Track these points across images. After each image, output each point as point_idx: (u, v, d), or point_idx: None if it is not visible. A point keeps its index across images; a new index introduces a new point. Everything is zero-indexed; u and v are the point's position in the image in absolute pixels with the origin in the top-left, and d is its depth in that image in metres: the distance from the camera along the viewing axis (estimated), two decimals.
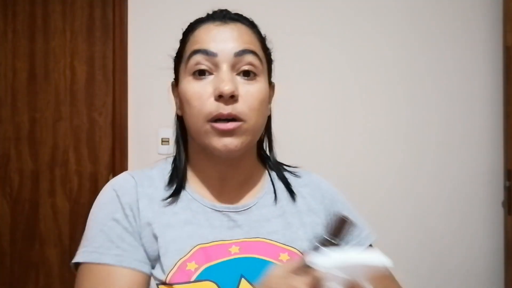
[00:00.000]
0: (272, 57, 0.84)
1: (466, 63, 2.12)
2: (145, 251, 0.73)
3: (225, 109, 0.73)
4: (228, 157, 0.76)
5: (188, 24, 0.82)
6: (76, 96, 2.14)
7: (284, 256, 0.76)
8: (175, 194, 0.79)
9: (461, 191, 2.11)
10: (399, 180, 2.11)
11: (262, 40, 0.82)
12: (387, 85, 2.11)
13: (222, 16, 0.79)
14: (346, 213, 0.88)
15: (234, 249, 0.75)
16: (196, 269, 0.71)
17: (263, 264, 0.74)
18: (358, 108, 2.11)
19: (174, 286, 0.69)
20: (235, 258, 0.74)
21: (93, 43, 2.14)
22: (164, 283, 0.70)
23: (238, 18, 0.80)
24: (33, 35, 2.14)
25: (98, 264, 0.70)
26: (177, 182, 0.80)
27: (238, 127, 0.74)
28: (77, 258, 0.72)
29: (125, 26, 2.10)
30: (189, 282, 0.69)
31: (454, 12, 2.12)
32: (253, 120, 0.75)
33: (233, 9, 0.82)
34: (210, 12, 0.82)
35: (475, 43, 2.12)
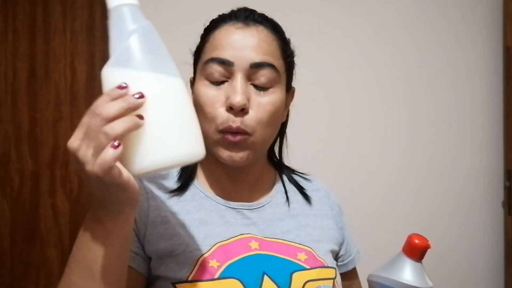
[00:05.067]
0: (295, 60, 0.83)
1: (466, 63, 2.12)
2: (148, 249, 0.73)
3: (235, 122, 0.73)
4: (234, 166, 0.77)
5: (211, 20, 0.81)
6: (76, 96, 2.15)
7: (301, 256, 0.77)
8: (183, 187, 0.79)
9: (461, 191, 2.11)
10: (399, 180, 2.10)
11: (283, 46, 0.80)
12: (387, 85, 2.11)
13: (245, 17, 0.78)
14: (345, 229, 0.91)
15: (254, 245, 0.75)
16: (218, 267, 0.70)
17: (283, 262, 0.74)
18: (358, 108, 2.11)
19: (197, 283, 0.69)
20: (256, 254, 0.74)
21: (93, 43, 2.14)
22: (184, 281, 0.69)
23: (261, 21, 0.78)
24: (33, 35, 2.14)
25: None
26: (184, 177, 0.80)
27: (244, 140, 0.74)
28: None
29: None
30: (213, 279, 0.69)
31: (454, 12, 2.12)
32: (259, 133, 0.75)
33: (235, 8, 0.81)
34: (230, 10, 0.80)
35: (475, 43, 2.12)
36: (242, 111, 0.73)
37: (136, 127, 0.54)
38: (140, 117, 0.55)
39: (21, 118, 2.14)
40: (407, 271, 0.63)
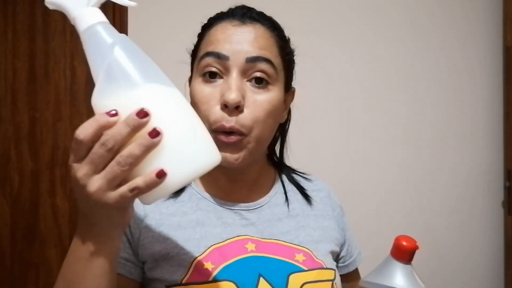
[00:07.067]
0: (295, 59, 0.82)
1: (466, 63, 2.12)
2: (143, 253, 0.73)
3: (228, 122, 0.70)
4: (230, 168, 0.74)
5: (208, 18, 0.80)
6: (76, 96, 2.14)
7: (299, 257, 0.76)
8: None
9: (461, 191, 2.11)
10: (399, 180, 2.10)
11: (282, 44, 0.79)
12: (387, 85, 2.11)
13: (242, 14, 0.76)
14: (347, 230, 0.91)
15: (251, 246, 0.74)
16: (213, 269, 0.70)
17: (280, 264, 0.74)
18: (358, 108, 2.10)
19: (191, 286, 0.68)
20: (252, 256, 0.73)
21: None
22: (178, 284, 0.69)
23: (258, 19, 0.77)
24: (33, 35, 2.14)
25: None
26: None
27: (240, 141, 0.72)
28: None
29: (125, 26, 2.10)
30: (207, 282, 0.68)
31: (454, 12, 2.12)
32: (255, 133, 0.73)
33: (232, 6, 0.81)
34: (228, 8, 0.79)
35: (475, 43, 2.12)
36: (237, 109, 0.70)
37: (153, 146, 0.50)
38: (155, 133, 0.50)
39: (21, 118, 2.14)
40: (398, 275, 0.61)
